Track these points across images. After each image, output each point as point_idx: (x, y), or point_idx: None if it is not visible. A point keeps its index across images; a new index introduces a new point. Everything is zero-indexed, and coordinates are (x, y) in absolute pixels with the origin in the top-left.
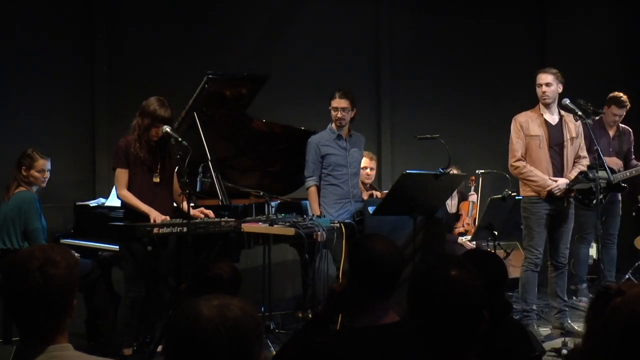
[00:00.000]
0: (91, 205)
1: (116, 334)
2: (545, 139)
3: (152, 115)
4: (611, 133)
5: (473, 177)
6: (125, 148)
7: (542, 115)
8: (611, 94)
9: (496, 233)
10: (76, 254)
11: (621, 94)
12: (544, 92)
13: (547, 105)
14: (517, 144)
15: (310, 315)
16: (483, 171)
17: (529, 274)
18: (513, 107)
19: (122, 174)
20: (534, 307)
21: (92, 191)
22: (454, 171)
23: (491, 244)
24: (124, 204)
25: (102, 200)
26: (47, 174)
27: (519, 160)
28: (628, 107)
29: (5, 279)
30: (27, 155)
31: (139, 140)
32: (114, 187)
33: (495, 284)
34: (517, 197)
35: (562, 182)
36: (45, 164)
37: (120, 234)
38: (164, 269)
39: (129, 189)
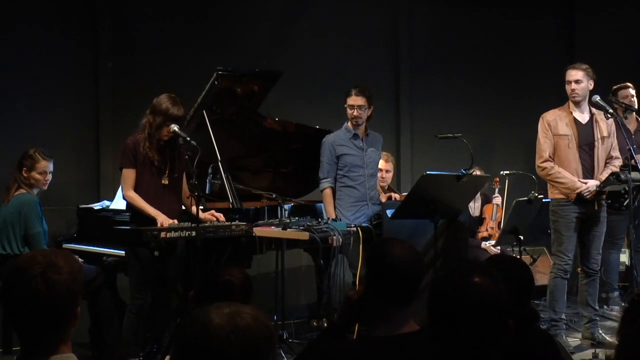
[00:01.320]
0: (95, 208)
1: (121, 343)
2: (575, 138)
3: (165, 114)
4: (632, 128)
5: (497, 179)
6: (133, 147)
7: (572, 113)
8: (613, 88)
9: (522, 237)
10: (80, 260)
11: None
12: (573, 90)
13: (577, 103)
14: (544, 144)
15: (325, 324)
16: (508, 172)
17: (557, 281)
18: (540, 104)
19: (129, 174)
20: (563, 316)
21: (96, 193)
22: (477, 172)
23: (517, 249)
24: (130, 206)
25: (106, 202)
26: (49, 177)
27: (546, 160)
28: (631, 85)
29: (5, 285)
30: (29, 156)
31: (149, 140)
32: (120, 189)
33: (521, 291)
34: (544, 200)
35: (592, 183)
36: (47, 165)
37: (125, 239)
38: (172, 275)
39: (136, 190)
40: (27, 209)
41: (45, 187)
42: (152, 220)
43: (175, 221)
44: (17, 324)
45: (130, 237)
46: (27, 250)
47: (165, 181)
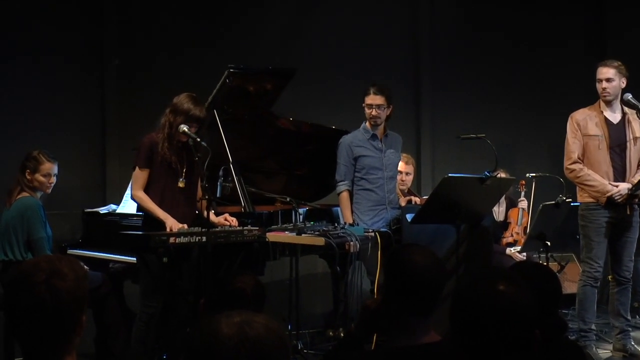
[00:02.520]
0: (101, 212)
1: (129, 353)
2: (606, 139)
3: (186, 114)
4: None
5: (523, 181)
6: (150, 147)
7: (602, 112)
8: None
9: (549, 243)
10: (85, 266)
11: None
12: (604, 89)
13: (608, 102)
14: (573, 145)
15: (342, 334)
16: (534, 174)
17: (587, 290)
18: (569, 103)
19: (141, 175)
20: (593, 326)
21: (102, 197)
22: (502, 175)
23: (543, 255)
24: (141, 209)
25: (113, 206)
26: (53, 179)
27: (575, 162)
28: None
29: (7, 293)
30: (33, 157)
31: (168, 140)
32: (127, 192)
33: (548, 300)
34: (573, 204)
35: (624, 187)
36: (52, 167)
37: (132, 244)
38: (184, 283)
39: (151, 192)
40: (30, 212)
41: (49, 191)
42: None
43: (185, 226)
44: (19, 334)
45: (137, 243)
46: (30, 257)
47: (181, 184)
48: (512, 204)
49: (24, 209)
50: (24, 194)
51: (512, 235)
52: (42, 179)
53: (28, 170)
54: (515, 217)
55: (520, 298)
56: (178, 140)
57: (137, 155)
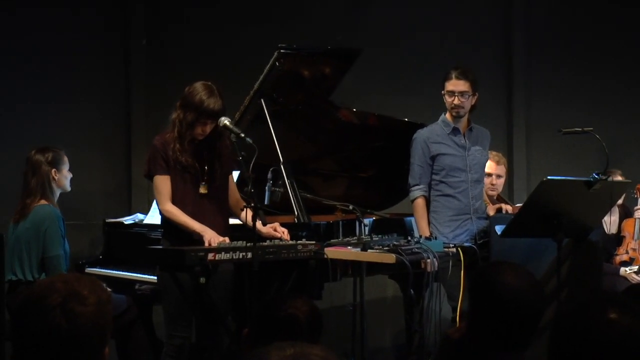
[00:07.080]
0: (126, 222)
1: None
2: None
3: (198, 108)
4: None
5: None
6: (163, 149)
7: None
8: None
9: None
10: (108, 288)
11: None
12: None
13: None
14: None
15: None
16: None
17: None
18: None
19: (163, 183)
20: None
21: (127, 205)
22: (614, 177)
23: None
24: (166, 221)
25: (140, 216)
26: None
27: None
28: None
29: (16, 319)
30: (52, 153)
31: (179, 140)
32: (155, 200)
33: None
34: None
35: None
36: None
37: (163, 261)
38: (221, 306)
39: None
40: (49, 224)
41: (69, 188)
42: (191, 238)
43: (227, 239)
44: None
45: (169, 260)
46: (44, 277)
47: (203, 190)
48: (626, 213)
49: (41, 221)
50: (42, 201)
51: (626, 252)
52: (68, 173)
53: (54, 170)
54: (631, 229)
55: (636, 329)
56: (192, 139)
57: (150, 161)
